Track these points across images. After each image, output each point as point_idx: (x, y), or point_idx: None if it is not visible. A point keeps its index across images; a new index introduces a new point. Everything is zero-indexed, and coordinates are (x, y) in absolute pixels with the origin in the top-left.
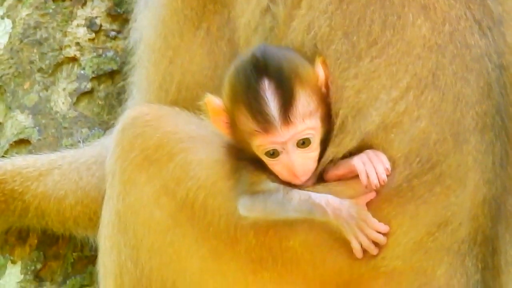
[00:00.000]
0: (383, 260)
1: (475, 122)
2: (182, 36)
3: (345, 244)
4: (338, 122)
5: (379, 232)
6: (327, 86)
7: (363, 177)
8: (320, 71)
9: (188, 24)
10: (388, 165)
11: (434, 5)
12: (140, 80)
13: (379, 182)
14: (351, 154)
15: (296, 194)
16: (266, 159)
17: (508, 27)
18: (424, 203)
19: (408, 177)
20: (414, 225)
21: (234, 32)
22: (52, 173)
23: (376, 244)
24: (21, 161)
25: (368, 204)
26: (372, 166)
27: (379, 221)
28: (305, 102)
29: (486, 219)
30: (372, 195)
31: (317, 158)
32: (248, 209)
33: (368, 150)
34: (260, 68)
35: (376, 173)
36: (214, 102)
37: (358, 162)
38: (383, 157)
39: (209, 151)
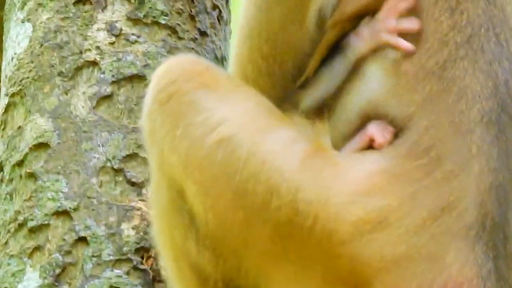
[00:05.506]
0: (387, 245)
1: (481, 115)
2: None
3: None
4: None
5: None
6: None
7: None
8: None
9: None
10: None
11: (462, 10)
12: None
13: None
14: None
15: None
16: None
17: None
18: (424, 187)
19: (396, 158)
20: (414, 206)
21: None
22: None
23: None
24: None
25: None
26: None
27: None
28: None
29: (494, 206)
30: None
31: None
32: None
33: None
34: None
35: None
36: None
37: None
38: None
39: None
